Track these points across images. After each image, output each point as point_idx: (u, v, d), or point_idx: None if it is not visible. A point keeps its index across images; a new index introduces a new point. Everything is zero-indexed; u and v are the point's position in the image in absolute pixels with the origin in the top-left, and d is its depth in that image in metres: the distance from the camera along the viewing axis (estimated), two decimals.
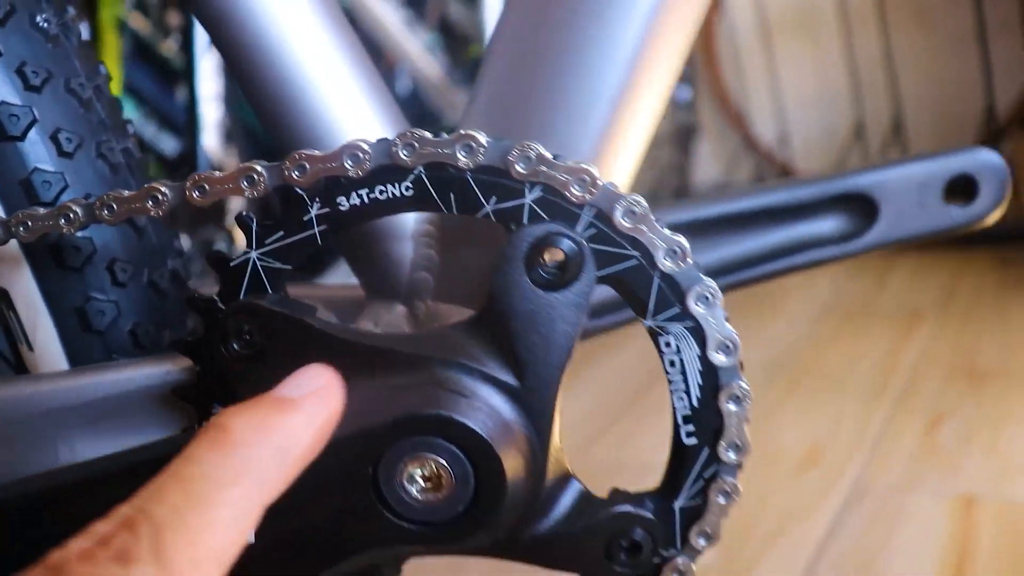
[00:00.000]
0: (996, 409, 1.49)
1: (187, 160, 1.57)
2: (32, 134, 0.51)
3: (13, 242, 0.51)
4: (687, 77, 2.63)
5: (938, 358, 1.71)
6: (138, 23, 1.52)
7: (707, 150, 2.69)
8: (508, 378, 0.40)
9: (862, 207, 0.64)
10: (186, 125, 1.58)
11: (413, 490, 0.40)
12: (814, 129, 2.55)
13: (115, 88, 1.43)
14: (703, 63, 2.67)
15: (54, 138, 0.52)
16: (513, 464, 0.39)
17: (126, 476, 0.42)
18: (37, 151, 0.51)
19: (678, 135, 2.62)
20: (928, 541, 1.19)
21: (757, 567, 1.19)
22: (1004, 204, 0.63)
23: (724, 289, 0.67)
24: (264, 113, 0.49)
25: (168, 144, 1.66)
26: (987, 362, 1.66)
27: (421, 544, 0.40)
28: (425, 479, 0.40)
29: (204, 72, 2.03)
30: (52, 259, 0.52)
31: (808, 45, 2.54)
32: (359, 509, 0.40)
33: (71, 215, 0.45)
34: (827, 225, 0.66)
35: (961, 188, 0.64)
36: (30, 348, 0.54)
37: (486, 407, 0.39)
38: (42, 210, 0.46)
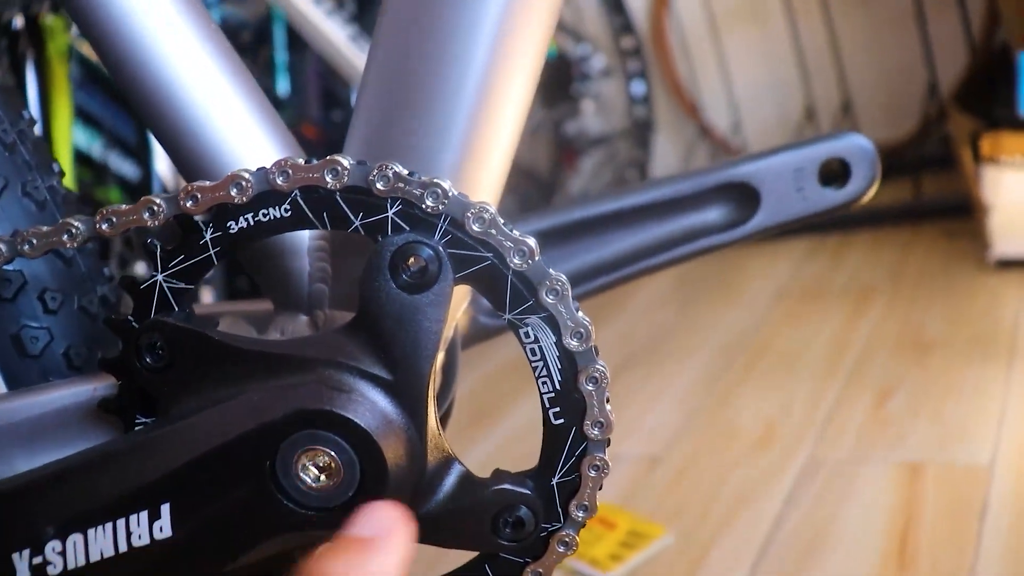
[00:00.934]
0: (941, 379, 1.55)
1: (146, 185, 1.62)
2: None
3: None
4: (641, 72, 2.68)
5: (887, 333, 1.76)
6: (87, 49, 1.56)
7: (664, 142, 2.75)
8: (383, 373, 0.45)
9: (744, 195, 0.69)
10: (137, 149, 1.62)
11: (307, 479, 0.45)
12: (766, 114, 2.61)
13: (63, 130, 1.45)
14: (656, 57, 2.72)
15: None
16: (393, 450, 0.44)
17: (57, 482, 0.47)
18: None
19: (635, 130, 2.67)
20: (876, 509, 1.25)
21: (716, 543, 1.25)
22: (875, 184, 0.69)
23: (627, 279, 0.73)
24: (166, 147, 0.54)
25: (129, 169, 1.70)
26: (933, 334, 1.72)
27: (318, 528, 0.45)
28: (318, 468, 0.45)
29: None
30: None
31: (756, 33, 2.60)
32: (262, 499, 0.45)
33: None
34: (713, 215, 0.71)
35: (835, 172, 0.69)
36: None
37: (365, 401, 0.44)
38: None
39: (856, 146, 0.69)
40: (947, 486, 1.27)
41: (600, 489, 0.49)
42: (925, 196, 2.25)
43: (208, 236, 0.46)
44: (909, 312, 1.83)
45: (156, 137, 0.54)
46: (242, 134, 0.53)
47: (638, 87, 2.69)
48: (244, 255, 0.54)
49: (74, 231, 0.49)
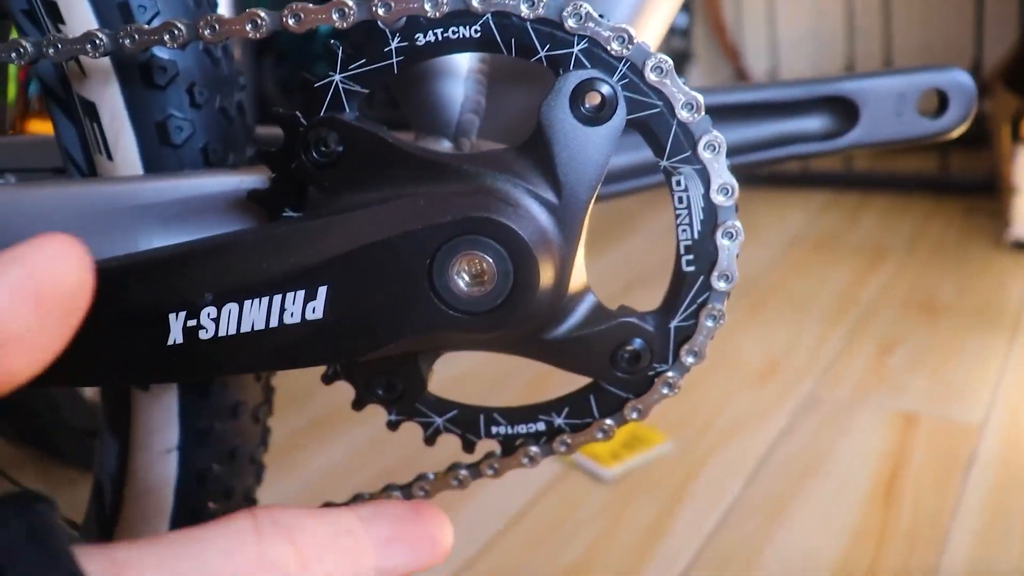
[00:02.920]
0: (945, 340, 1.59)
1: None
2: None
3: (105, 59, 0.58)
4: (685, 5, 2.68)
5: (897, 292, 1.81)
6: None
7: (699, 79, 2.75)
8: (548, 195, 0.48)
9: (844, 110, 0.72)
10: None
11: (460, 282, 0.48)
12: (805, 65, 2.62)
13: None
14: None
15: None
16: (546, 267, 0.48)
17: (221, 252, 0.50)
18: None
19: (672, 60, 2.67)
20: (868, 450, 1.30)
21: (712, 459, 1.30)
22: (969, 120, 0.72)
23: None
24: None
25: None
26: (943, 299, 1.76)
27: (461, 331, 0.49)
28: (471, 274, 0.48)
29: None
30: (140, 77, 0.59)
31: None
32: (415, 295, 0.48)
33: (175, 31, 0.52)
34: (812, 123, 0.74)
35: (933, 102, 0.72)
36: (109, 158, 0.61)
37: (529, 216, 0.47)
38: (148, 25, 0.53)
39: (957, 82, 0.72)
40: (938, 438, 1.32)
41: (711, 339, 0.53)
42: (951, 169, 2.28)
43: (394, 44, 0.49)
44: (920, 276, 1.87)
45: None
46: None
47: (680, 18, 2.69)
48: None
49: (259, 21, 0.51)
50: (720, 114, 0.73)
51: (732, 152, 0.74)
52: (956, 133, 0.73)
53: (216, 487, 0.70)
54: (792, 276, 1.91)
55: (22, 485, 0.84)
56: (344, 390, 0.57)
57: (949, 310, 1.71)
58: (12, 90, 1.45)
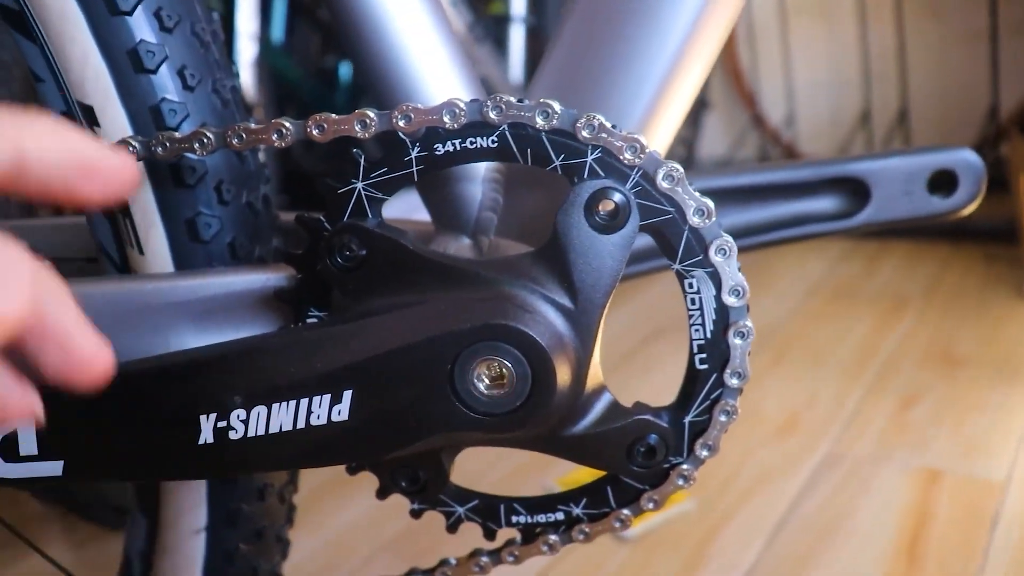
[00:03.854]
0: (967, 394, 1.59)
1: None
2: (163, 68, 0.60)
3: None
4: None
5: (916, 343, 1.81)
6: None
7: (715, 125, 2.78)
8: (564, 301, 0.50)
9: (856, 190, 0.73)
10: None
11: (481, 385, 0.49)
12: (821, 113, 2.64)
13: None
14: None
15: (180, 73, 0.61)
16: (563, 370, 0.49)
17: (250, 356, 0.52)
18: (165, 83, 0.60)
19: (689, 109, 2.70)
20: (891, 507, 1.30)
21: (733, 517, 1.30)
22: (979, 199, 0.73)
23: None
24: (365, 69, 0.58)
25: None
26: (963, 350, 1.76)
27: (482, 431, 0.50)
28: (491, 378, 0.50)
29: (243, 10, 2.10)
30: (171, 176, 0.61)
31: (824, 30, 2.62)
32: (437, 398, 0.49)
33: (205, 140, 0.54)
34: (824, 203, 0.75)
35: (944, 181, 0.73)
36: (141, 252, 0.63)
37: (546, 322, 0.49)
38: (178, 134, 0.55)
39: (967, 161, 0.74)
40: (962, 495, 1.32)
41: (724, 433, 0.54)
42: (971, 216, 2.28)
43: (414, 154, 0.51)
44: (940, 327, 1.87)
45: (355, 61, 0.58)
46: (435, 67, 0.57)
47: None
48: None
49: (284, 131, 0.53)
50: (732, 196, 0.75)
51: (744, 234, 0.76)
52: (967, 211, 0.74)
53: (243, 566, 0.72)
54: (811, 327, 1.91)
55: (45, 553, 0.86)
56: None
57: (970, 362, 1.71)
58: None
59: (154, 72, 0.59)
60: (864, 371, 1.70)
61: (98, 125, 0.60)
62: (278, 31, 2.22)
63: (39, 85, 0.63)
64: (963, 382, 1.63)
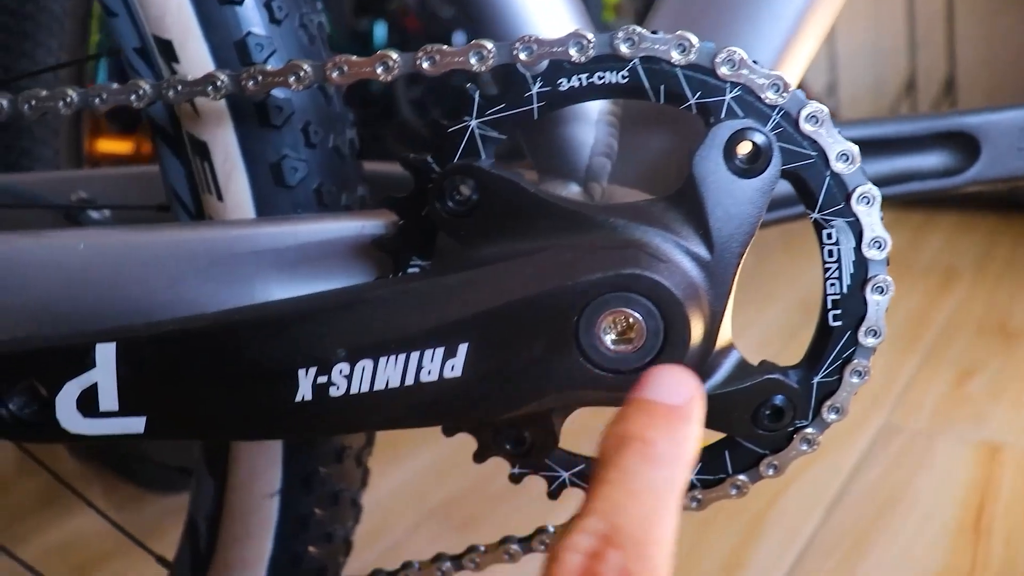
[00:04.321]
0: None
1: None
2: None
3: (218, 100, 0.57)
4: None
5: (970, 315, 1.77)
6: None
7: None
8: (700, 250, 0.46)
9: (965, 145, 0.69)
10: None
11: (608, 340, 0.46)
12: (864, 81, 2.58)
13: None
14: None
15: (267, 5, 0.57)
16: (696, 325, 0.45)
17: (355, 307, 0.48)
18: (251, 16, 0.56)
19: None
20: (952, 482, 1.27)
21: (790, 488, 1.27)
22: None
23: None
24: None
25: None
26: (1018, 323, 1.72)
27: (605, 390, 0.46)
28: (619, 331, 0.46)
29: None
30: (256, 117, 0.57)
31: None
32: (560, 353, 0.46)
33: (301, 74, 0.51)
34: (931, 160, 0.71)
35: None
36: (220, 198, 0.59)
37: (680, 272, 0.45)
38: (270, 67, 0.52)
39: None
40: None
41: (854, 395, 0.51)
42: (1019, 185, 2.23)
43: (535, 89, 0.47)
44: (994, 298, 1.83)
45: None
46: None
47: None
48: None
49: (390, 63, 0.49)
50: None
51: None
52: None
53: (318, 531, 0.69)
54: None
55: (100, 510, 0.83)
56: None
57: None
58: None
59: (239, 3, 0.56)
60: (918, 343, 1.66)
61: (176, 60, 0.57)
62: None
63: (112, 20, 0.59)
64: (1020, 355, 1.59)
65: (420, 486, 1.32)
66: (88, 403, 0.51)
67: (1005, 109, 0.69)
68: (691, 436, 0.40)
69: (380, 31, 2.25)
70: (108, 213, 0.77)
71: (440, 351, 0.46)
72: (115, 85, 0.55)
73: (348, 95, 0.64)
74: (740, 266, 0.47)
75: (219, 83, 0.52)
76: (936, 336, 1.69)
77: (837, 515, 1.21)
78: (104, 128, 1.69)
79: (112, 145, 1.65)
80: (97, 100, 0.55)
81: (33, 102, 0.56)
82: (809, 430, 0.51)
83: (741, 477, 0.53)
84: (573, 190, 0.54)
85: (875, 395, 1.50)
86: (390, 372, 0.47)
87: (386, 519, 1.24)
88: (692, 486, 0.53)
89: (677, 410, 0.40)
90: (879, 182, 0.72)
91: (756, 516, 1.21)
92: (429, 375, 0.47)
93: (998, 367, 1.56)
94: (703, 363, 0.48)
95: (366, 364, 0.47)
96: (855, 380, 0.50)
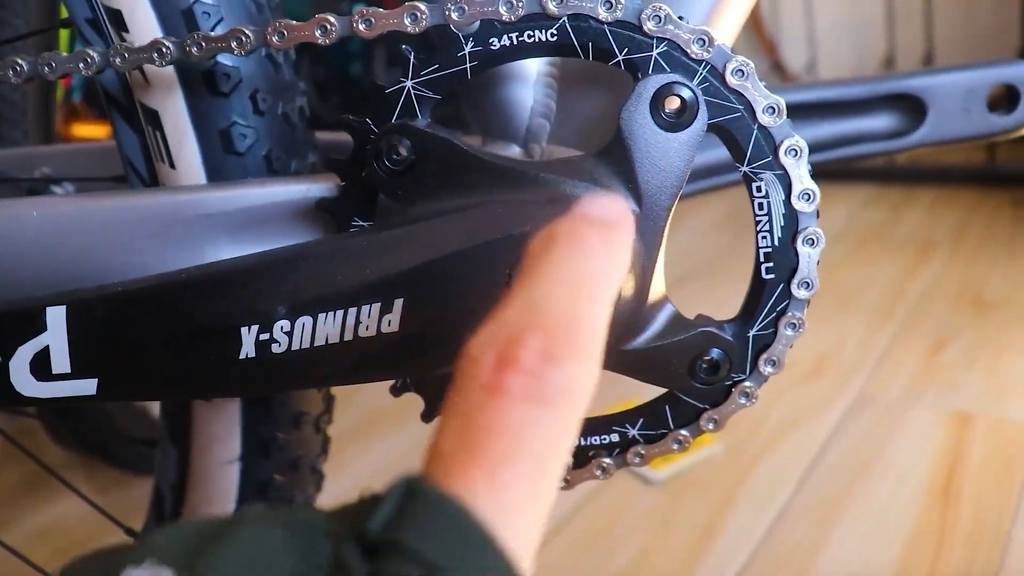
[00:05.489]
0: (998, 337, 1.56)
1: None
2: None
3: (169, 68, 0.57)
4: None
5: (946, 287, 1.78)
6: None
7: None
8: (629, 203, 0.47)
9: (911, 108, 0.70)
10: None
11: None
12: (844, 58, 2.58)
13: None
14: None
15: None
16: (626, 278, 0.46)
17: (294, 265, 0.49)
18: None
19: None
20: (923, 450, 1.28)
21: (763, 460, 1.28)
22: None
23: None
24: None
25: None
26: (993, 294, 1.73)
27: None
28: None
29: None
30: (204, 84, 0.58)
31: None
32: (493, 307, 0.46)
33: (243, 38, 0.51)
34: (878, 122, 0.72)
35: (1004, 98, 0.70)
36: (172, 166, 0.60)
37: None
38: (214, 33, 0.52)
39: None
40: (996, 438, 1.29)
41: (790, 348, 0.52)
42: (997, 160, 2.24)
43: (468, 49, 0.48)
44: (969, 270, 1.84)
45: None
46: None
47: None
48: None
49: (328, 27, 0.50)
50: None
51: None
52: None
53: (278, 497, 0.70)
54: (838, 272, 1.88)
55: (85, 495, 0.84)
56: (386, 390, 0.56)
57: (1000, 305, 1.68)
58: (59, 93, 1.46)
59: None
60: (893, 315, 1.67)
61: (126, 30, 0.57)
62: None
63: None
64: (994, 325, 1.61)
65: (398, 467, 1.33)
66: (41, 366, 0.52)
67: (950, 71, 0.70)
68: (624, 244, 0.34)
69: None
70: (71, 187, 0.78)
71: (376, 306, 0.47)
72: (64, 54, 0.56)
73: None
74: (669, 219, 0.48)
75: (164, 49, 0.53)
76: (911, 308, 1.70)
77: (811, 483, 1.22)
78: (82, 113, 1.69)
79: (89, 130, 1.65)
80: (47, 68, 0.56)
81: None
82: (747, 383, 0.52)
83: (683, 432, 0.54)
84: (514, 151, 0.55)
85: (850, 366, 1.51)
86: (329, 328, 0.48)
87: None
88: (634, 441, 0.55)
89: (610, 219, 0.35)
90: (828, 145, 0.73)
91: (732, 485, 1.22)
92: (367, 330, 0.48)
93: (972, 338, 1.57)
94: (635, 316, 0.49)
95: (306, 321, 0.48)
96: (790, 332, 0.51)
